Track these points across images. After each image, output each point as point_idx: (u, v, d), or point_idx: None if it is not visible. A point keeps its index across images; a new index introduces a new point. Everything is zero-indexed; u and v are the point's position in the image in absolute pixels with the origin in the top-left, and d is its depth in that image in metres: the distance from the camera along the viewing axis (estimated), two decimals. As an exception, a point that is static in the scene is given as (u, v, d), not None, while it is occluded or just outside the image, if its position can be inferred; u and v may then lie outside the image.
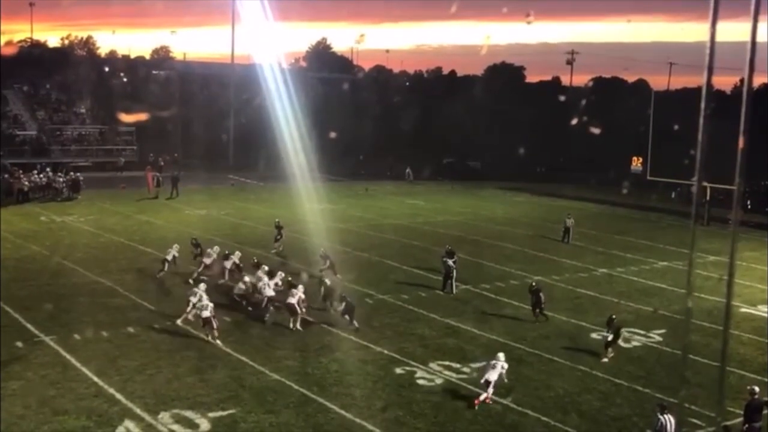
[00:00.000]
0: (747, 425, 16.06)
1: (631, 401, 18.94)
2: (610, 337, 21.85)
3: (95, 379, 18.80)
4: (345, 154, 68.58)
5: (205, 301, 22.30)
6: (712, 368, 17.32)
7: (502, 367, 18.81)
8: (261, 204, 48.79)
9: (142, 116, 61.74)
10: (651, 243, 40.16)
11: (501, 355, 19.23)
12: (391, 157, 69.31)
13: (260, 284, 24.63)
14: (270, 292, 24.20)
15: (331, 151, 61.81)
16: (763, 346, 23.60)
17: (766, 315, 27.06)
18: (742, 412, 16.30)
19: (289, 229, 35.96)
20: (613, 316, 22.73)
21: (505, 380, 18.94)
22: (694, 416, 16.51)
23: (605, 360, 21.47)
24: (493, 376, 18.48)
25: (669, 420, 15.01)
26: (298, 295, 23.46)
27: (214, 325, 21.64)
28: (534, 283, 26.27)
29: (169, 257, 28.56)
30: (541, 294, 25.26)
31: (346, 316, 23.50)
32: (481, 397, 18.22)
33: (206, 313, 21.65)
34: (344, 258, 32.08)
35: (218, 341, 21.55)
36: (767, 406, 16.34)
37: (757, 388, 16.50)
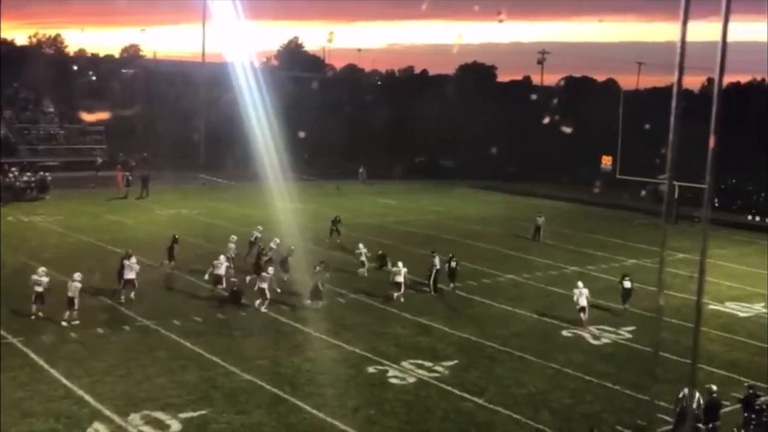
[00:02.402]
0: (710, 425, 16.09)
1: (602, 398, 19.13)
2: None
3: (64, 380, 18.60)
4: (317, 153, 68.22)
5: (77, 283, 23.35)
6: (681, 365, 17.48)
7: (583, 293, 24.34)
8: (232, 203, 48.45)
9: (111, 115, 61.00)
10: (621, 241, 40.52)
11: (580, 283, 25.11)
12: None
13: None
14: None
15: (302, 150, 61.22)
16: (731, 343, 23.97)
17: (733, 312, 27.49)
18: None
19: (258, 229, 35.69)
20: (626, 275, 27.21)
21: (590, 299, 24.62)
22: (663, 412, 16.69)
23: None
24: (582, 300, 24.26)
25: (696, 395, 15.20)
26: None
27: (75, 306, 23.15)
28: (434, 251, 29.04)
29: (230, 253, 29.50)
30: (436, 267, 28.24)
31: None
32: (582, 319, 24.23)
33: (70, 293, 23.15)
34: (316, 258, 31.95)
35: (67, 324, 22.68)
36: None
37: (714, 387, 16.67)
